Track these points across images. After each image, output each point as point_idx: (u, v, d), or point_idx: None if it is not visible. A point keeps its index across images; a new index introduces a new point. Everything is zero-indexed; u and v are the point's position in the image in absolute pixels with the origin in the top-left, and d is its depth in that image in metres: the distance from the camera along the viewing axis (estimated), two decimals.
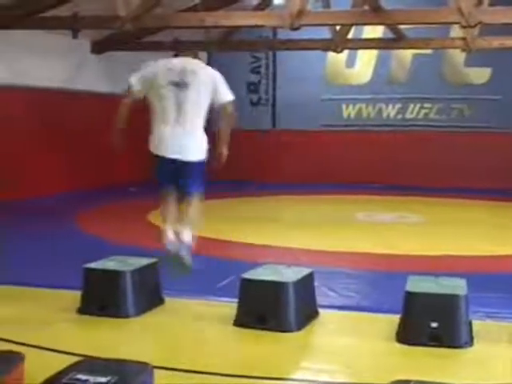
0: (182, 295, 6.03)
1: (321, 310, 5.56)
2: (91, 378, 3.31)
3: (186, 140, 5.76)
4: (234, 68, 16.96)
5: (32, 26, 11.55)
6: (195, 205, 5.92)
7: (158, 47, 14.58)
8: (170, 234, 5.74)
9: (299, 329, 5.15)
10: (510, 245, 8.67)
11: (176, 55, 6.09)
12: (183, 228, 5.80)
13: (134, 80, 5.88)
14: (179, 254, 5.67)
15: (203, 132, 5.87)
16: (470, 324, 4.99)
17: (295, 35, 11.66)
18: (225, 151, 5.96)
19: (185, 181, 5.85)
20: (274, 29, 14.86)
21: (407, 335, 4.89)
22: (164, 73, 5.80)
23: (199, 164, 5.84)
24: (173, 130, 5.73)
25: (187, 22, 11.04)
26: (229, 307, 5.46)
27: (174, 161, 5.75)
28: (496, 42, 12.59)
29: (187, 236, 5.79)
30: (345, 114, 16.71)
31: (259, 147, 16.63)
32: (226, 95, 5.88)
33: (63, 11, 11.10)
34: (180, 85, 5.73)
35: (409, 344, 4.84)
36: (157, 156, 5.80)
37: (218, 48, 14.48)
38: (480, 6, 10.00)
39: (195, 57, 6.06)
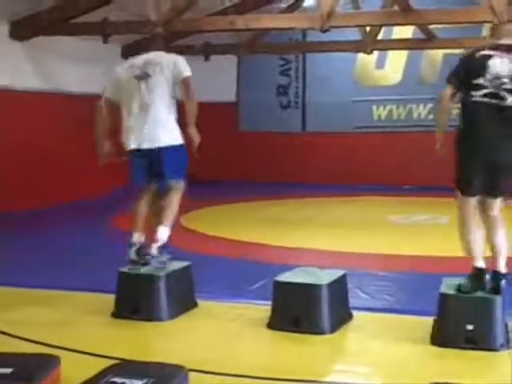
0: (215, 298, 6.04)
1: (354, 312, 5.54)
2: (127, 381, 3.34)
3: (152, 128, 5.78)
4: (263, 71, 17.02)
5: (63, 32, 11.68)
6: (173, 198, 5.92)
7: (189, 51, 14.65)
8: (136, 241, 5.72)
9: (333, 331, 5.14)
10: None
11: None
12: (159, 225, 5.80)
13: (106, 86, 6.01)
14: (146, 259, 5.68)
15: (173, 120, 5.89)
16: (507, 326, 4.94)
17: (325, 37, 11.64)
18: (193, 133, 5.82)
19: (160, 171, 5.84)
20: (304, 31, 14.85)
21: (442, 338, 4.85)
22: (126, 71, 5.96)
23: (172, 151, 5.81)
24: (139, 121, 5.80)
25: (217, 25, 11.08)
26: (262, 310, 5.46)
27: (145, 153, 5.78)
28: None
29: (163, 234, 5.80)
30: (375, 116, 16.64)
31: (290, 149, 16.63)
32: (184, 71, 5.87)
33: (93, 16, 11.21)
34: (142, 77, 5.83)
35: (444, 346, 4.80)
36: (130, 152, 5.84)
37: (248, 51, 14.51)
38: None
39: (159, 47, 6.15)
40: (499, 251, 5.02)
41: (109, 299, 5.67)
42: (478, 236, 5.05)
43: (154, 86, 5.82)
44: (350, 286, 5.69)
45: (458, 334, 4.79)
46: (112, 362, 3.90)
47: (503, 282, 4.96)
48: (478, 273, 4.98)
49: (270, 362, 4.66)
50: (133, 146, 5.82)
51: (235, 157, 16.83)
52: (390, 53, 16.14)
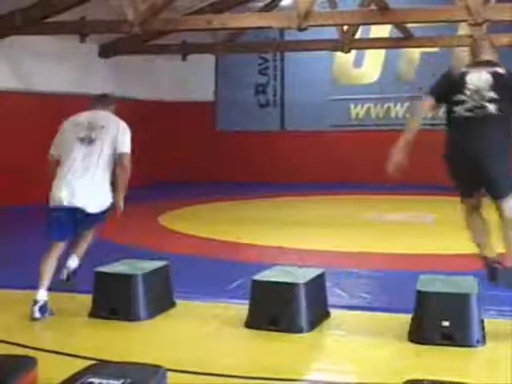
0: (193, 298, 6.04)
1: (332, 311, 5.55)
2: (105, 382, 3.31)
3: (85, 191, 5.72)
4: (241, 70, 17.02)
5: (38, 31, 11.61)
6: (89, 236, 6.03)
7: (166, 50, 14.66)
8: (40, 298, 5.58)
9: (311, 329, 5.15)
10: None
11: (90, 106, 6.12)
12: (72, 255, 5.97)
13: (52, 149, 5.96)
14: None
15: (107, 184, 5.86)
16: (483, 323, 4.98)
17: (303, 36, 11.66)
18: (120, 202, 5.83)
19: (82, 230, 5.93)
20: (282, 30, 14.87)
21: (419, 334, 4.88)
22: (70, 130, 5.91)
23: (97, 215, 5.82)
24: (73, 180, 5.73)
25: (194, 24, 11.06)
26: (240, 309, 5.46)
27: (72, 211, 5.70)
28: (504, 39, 12.55)
29: (74, 262, 5.97)
30: (353, 114, 16.70)
31: (268, 148, 16.65)
32: (124, 146, 5.85)
33: (70, 16, 11.16)
34: (85, 140, 5.80)
35: (421, 343, 4.83)
36: (55, 207, 5.74)
37: (226, 50, 14.51)
38: (487, 3, 9.98)
39: (107, 105, 6.10)
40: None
41: (86, 299, 5.65)
42: (477, 231, 5.41)
43: (94, 151, 5.77)
44: (327, 284, 5.70)
45: (434, 331, 4.81)
46: (89, 362, 3.88)
47: None
48: (486, 263, 5.28)
49: (247, 361, 4.66)
50: (64, 202, 5.69)
51: (213, 156, 16.82)
52: (368, 51, 16.21)
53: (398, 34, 13.47)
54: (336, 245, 8.63)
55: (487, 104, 5.10)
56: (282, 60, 16.99)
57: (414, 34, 13.31)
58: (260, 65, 17.23)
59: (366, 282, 6.65)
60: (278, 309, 5.17)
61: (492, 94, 5.07)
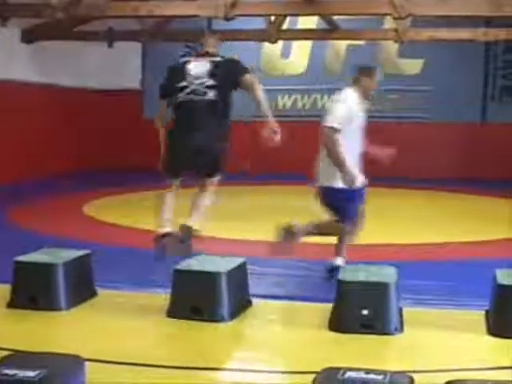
0: (117, 287, 5.98)
1: (254, 300, 5.58)
2: (20, 373, 3.25)
3: None
4: (169, 58, 16.87)
5: None
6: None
7: (92, 37, 14.42)
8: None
9: (232, 318, 5.17)
10: (445, 233, 8.87)
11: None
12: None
13: None
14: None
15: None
16: (401, 311, 5.09)
17: (230, 25, 11.65)
18: None
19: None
20: (209, 19, 14.80)
21: (339, 323, 4.96)
22: None
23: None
24: None
25: (121, 11, 10.95)
26: (163, 299, 5.44)
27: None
28: (427, 34, 12.82)
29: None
30: (280, 105, 16.78)
31: None
32: None
33: None
34: None
35: (341, 332, 4.90)
36: None
37: (153, 38, 14.37)
38: None
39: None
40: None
41: (5, 290, 5.54)
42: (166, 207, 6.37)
43: None
44: (250, 273, 5.73)
45: (354, 320, 4.89)
46: (5, 353, 3.81)
47: None
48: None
49: (169, 351, 4.66)
50: None
51: (140, 144, 16.64)
52: (295, 43, 16.28)
53: (325, 25, 13.57)
54: (260, 234, 8.63)
55: (207, 90, 5.67)
56: None
57: (341, 27, 13.44)
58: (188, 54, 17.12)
59: (288, 272, 6.69)
60: (199, 298, 5.18)
61: (211, 82, 5.54)
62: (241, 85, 5.79)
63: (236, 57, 5.94)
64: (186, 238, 6.02)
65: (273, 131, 5.82)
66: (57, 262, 5.47)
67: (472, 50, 14.41)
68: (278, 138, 5.78)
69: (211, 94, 5.55)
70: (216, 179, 5.87)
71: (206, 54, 5.85)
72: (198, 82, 5.56)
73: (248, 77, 5.74)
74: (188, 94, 5.57)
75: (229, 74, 5.69)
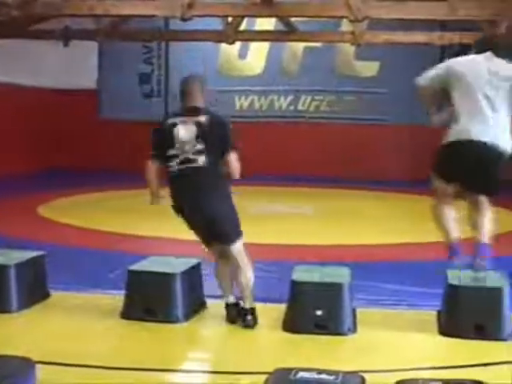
0: (70, 289, 5.93)
1: (208, 300, 5.58)
2: None
3: None
4: (125, 58, 16.77)
5: None
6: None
7: (48, 36, 14.25)
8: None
9: (187, 319, 5.16)
10: (394, 234, 8.95)
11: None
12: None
13: None
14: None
15: None
16: (354, 311, 5.13)
17: (188, 26, 11.62)
18: None
19: None
20: (166, 19, 14.75)
21: (293, 324, 4.98)
22: None
23: None
24: None
25: (77, 9, 10.83)
26: (117, 300, 5.40)
27: None
28: (383, 37, 12.93)
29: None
30: (237, 106, 16.79)
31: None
32: None
33: None
34: None
35: (294, 332, 4.92)
36: None
37: (109, 37, 14.23)
38: (368, 1, 10.25)
39: None
40: None
41: None
42: None
43: None
44: (205, 274, 5.73)
45: (307, 320, 4.92)
46: None
47: None
48: None
49: (122, 352, 4.63)
50: None
51: (96, 145, 16.53)
52: (253, 44, 16.31)
53: (282, 27, 13.61)
54: None
55: (196, 156, 5.01)
56: (167, 49, 16.87)
57: (299, 29, 13.48)
58: (144, 53, 17.04)
59: None
60: (153, 299, 5.16)
61: (199, 146, 4.98)
62: (223, 159, 5.12)
63: (226, 120, 5.22)
64: None
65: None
66: (9, 264, 5.41)
67: (427, 53, 14.57)
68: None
69: (200, 161, 4.99)
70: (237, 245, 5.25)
71: (193, 111, 5.11)
72: (185, 148, 4.93)
73: (232, 157, 5.14)
74: (179, 163, 4.94)
75: (216, 143, 5.02)
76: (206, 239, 5.24)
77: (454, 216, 5.47)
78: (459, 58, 5.42)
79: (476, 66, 5.25)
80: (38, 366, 3.63)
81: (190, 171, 5.00)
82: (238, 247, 5.14)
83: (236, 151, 5.17)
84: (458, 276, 5.20)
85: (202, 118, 5.06)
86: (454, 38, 12.94)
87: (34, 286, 5.58)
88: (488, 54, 5.28)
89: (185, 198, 5.09)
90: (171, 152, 5.01)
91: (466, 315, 4.95)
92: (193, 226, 5.20)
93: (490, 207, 5.35)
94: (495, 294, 4.98)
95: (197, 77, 5.56)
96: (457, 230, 5.42)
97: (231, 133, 5.19)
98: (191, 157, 4.97)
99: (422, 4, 10.27)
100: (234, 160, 5.14)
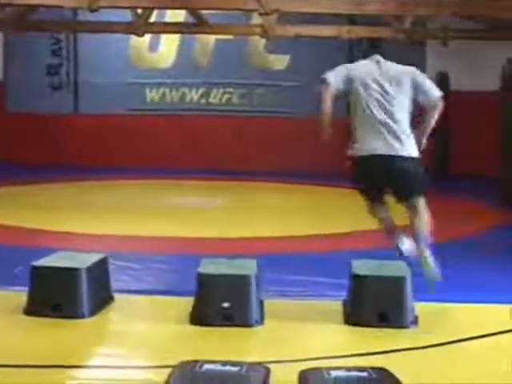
0: None
1: (116, 295, 5.53)
2: None
3: None
4: (32, 49, 16.36)
5: None
6: None
7: None
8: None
9: (93, 314, 5.11)
10: (301, 226, 9.04)
11: None
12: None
13: None
14: None
15: None
16: (262, 303, 5.16)
17: (97, 17, 11.45)
18: None
19: None
20: (75, 10, 14.48)
21: (200, 316, 4.98)
22: None
23: None
24: None
25: None
26: (21, 296, 5.28)
27: None
28: (293, 30, 13.03)
29: None
30: (149, 98, 16.64)
31: (62, 131, 16.18)
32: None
33: None
34: None
35: (202, 325, 4.93)
36: None
37: (14, 28, 13.86)
38: None
39: None
40: None
41: None
42: None
43: None
44: (114, 268, 5.68)
45: (214, 313, 4.93)
46: None
47: None
48: None
49: (27, 349, 4.54)
50: None
51: (3, 138, 16.11)
52: (164, 36, 16.17)
53: (192, 19, 13.55)
54: (127, 229, 8.55)
55: None
56: (76, 41, 16.54)
57: (209, 21, 13.45)
58: (53, 45, 16.68)
59: (152, 266, 6.66)
60: (59, 294, 5.08)
61: None
62: None
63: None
64: None
65: None
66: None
67: (336, 47, 14.77)
68: None
69: None
70: None
71: None
72: None
73: None
74: None
75: None
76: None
77: (388, 213, 5.72)
78: (355, 64, 5.60)
79: (368, 70, 5.45)
80: None
81: None
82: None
83: None
84: (362, 265, 5.31)
85: None
86: (361, 32, 13.19)
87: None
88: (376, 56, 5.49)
89: None
90: None
91: (369, 304, 5.06)
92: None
93: (425, 208, 5.53)
94: (398, 282, 5.11)
95: None
96: (392, 220, 5.71)
97: None
98: None
99: None
100: None
